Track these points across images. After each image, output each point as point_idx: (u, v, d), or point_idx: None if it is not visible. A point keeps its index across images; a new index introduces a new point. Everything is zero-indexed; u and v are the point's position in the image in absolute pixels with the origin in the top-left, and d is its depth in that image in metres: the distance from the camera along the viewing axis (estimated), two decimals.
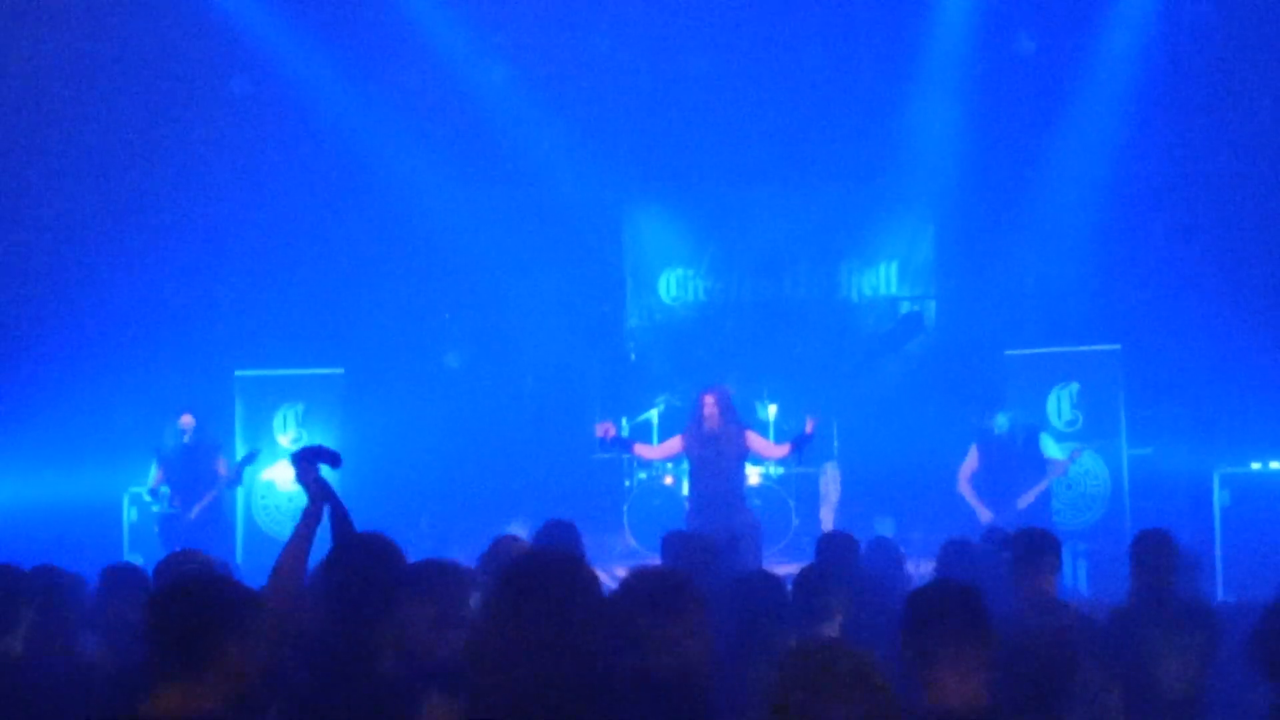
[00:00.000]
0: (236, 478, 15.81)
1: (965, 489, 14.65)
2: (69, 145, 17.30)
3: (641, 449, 14.64)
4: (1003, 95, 17.76)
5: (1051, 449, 14.84)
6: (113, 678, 5.65)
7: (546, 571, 4.12)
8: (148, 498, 15.58)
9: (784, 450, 14.19)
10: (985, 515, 14.29)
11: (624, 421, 17.20)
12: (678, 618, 4.86)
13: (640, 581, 5.07)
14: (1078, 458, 15.03)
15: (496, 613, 4.06)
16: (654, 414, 17.19)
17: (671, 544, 9.06)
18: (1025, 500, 14.33)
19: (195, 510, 15.13)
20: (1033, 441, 14.80)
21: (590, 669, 3.96)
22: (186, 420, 15.30)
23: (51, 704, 5.84)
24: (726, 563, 9.64)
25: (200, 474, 15.26)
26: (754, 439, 13.95)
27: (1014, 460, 14.58)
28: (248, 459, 15.88)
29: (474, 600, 7.54)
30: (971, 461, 14.72)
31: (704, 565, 8.78)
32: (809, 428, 13.77)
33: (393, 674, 5.19)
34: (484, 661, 4.00)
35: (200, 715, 4.46)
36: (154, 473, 15.44)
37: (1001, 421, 14.71)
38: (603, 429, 13.90)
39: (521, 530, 15.23)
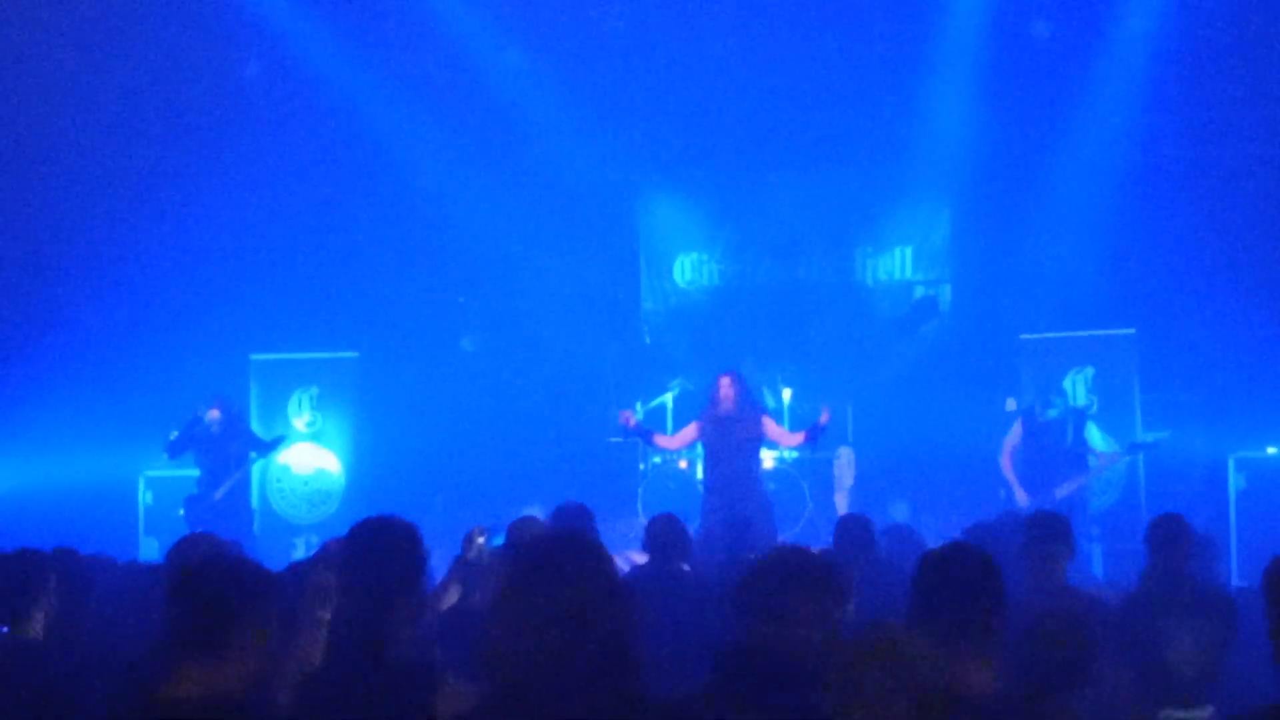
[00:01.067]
0: (263, 450, 15.82)
1: (1006, 465, 14.70)
2: (84, 129, 17.32)
3: (661, 439, 14.67)
4: (1018, 79, 17.72)
5: (1096, 438, 14.86)
6: (132, 660, 5.65)
7: (559, 553, 4.12)
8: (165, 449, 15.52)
9: (799, 438, 14.21)
10: (1023, 498, 14.34)
11: (638, 405, 17.20)
12: (820, 598, 4.95)
13: (788, 559, 5.13)
14: (1121, 459, 15.10)
15: (510, 595, 4.06)
16: (668, 398, 17.19)
17: (649, 529, 9.09)
18: (1064, 490, 14.33)
19: (220, 492, 15.16)
20: (1079, 430, 14.81)
21: (604, 651, 3.97)
22: (214, 415, 15.33)
23: (71, 688, 5.85)
24: (725, 549, 9.68)
25: (229, 458, 15.29)
26: (770, 425, 13.98)
27: (1059, 446, 14.60)
28: (277, 441, 15.91)
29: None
30: (1014, 437, 14.76)
31: (678, 551, 8.84)
32: (824, 418, 13.80)
33: (409, 657, 5.21)
34: (498, 644, 4.01)
35: (220, 696, 4.48)
36: (174, 436, 15.41)
37: (1054, 414, 14.73)
38: (625, 417, 13.94)
39: (536, 514, 15.27)
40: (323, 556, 6.89)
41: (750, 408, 14.03)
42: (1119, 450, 15.03)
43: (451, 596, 7.46)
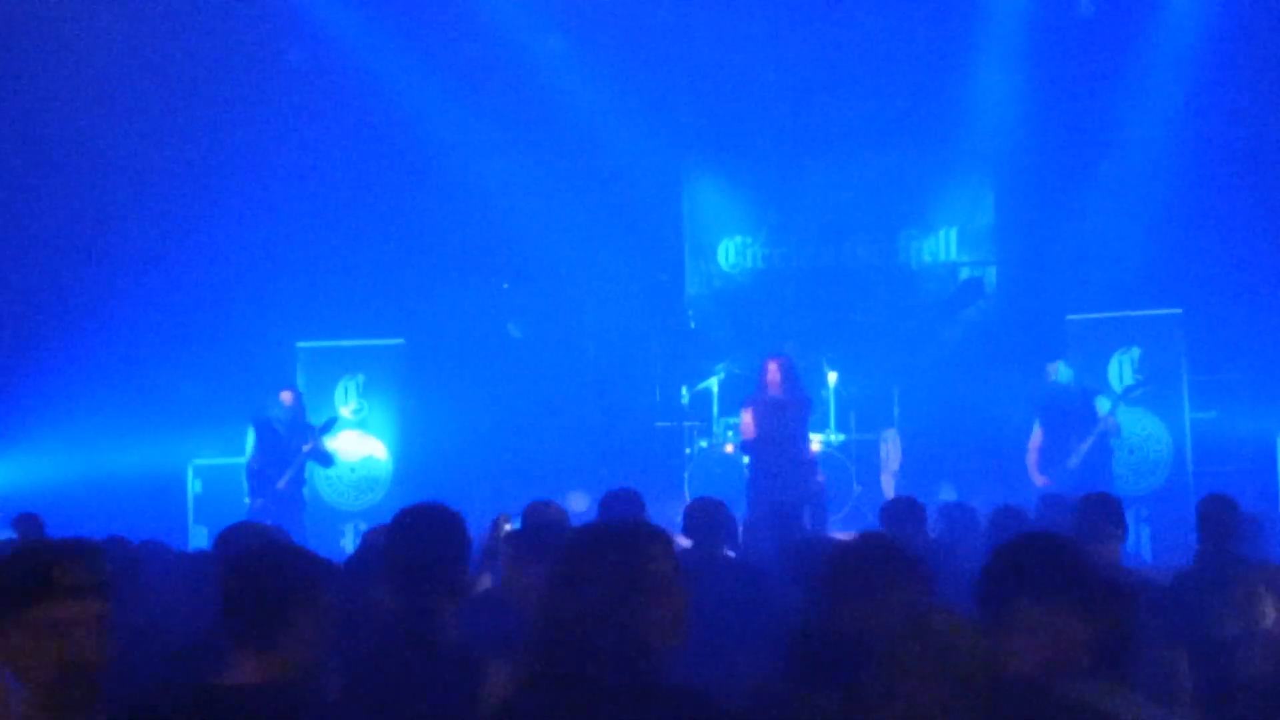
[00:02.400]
0: (325, 457, 15.88)
1: (1031, 458, 14.77)
2: (131, 118, 17.39)
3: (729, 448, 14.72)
4: (1063, 58, 17.66)
5: (1105, 408, 14.88)
6: (183, 648, 5.68)
7: (612, 539, 4.13)
8: (244, 475, 15.61)
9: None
10: (1038, 480, 14.38)
11: (684, 390, 17.23)
12: (903, 583, 5.00)
13: (878, 545, 5.22)
14: (1113, 413, 15.09)
15: (562, 581, 4.07)
16: (714, 382, 17.19)
17: (692, 513, 9.07)
18: (1074, 460, 14.36)
19: (283, 481, 15.24)
20: (1088, 403, 14.84)
21: (655, 638, 3.98)
22: (286, 396, 15.47)
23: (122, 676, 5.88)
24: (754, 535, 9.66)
25: (295, 447, 15.38)
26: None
27: (1070, 421, 14.64)
28: (326, 427, 15.97)
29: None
30: (1036, 437, 14.82)
31: (720, 536, 8.82)
32: None
33: (457, 642, 5.23)
34: (548, 630, 4.02)
35: (275, 684, 4.51)
36: (251, 441, 15.52)
37: (1063, 371, 14.77)
38: None
39: (583, 499, 15.32)
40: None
41: (799, 392, 14.03)
42: (1107, 411, 15.00)
43: (484, 582, 7.49)
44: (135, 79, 17.29)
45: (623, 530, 4.23)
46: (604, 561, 4.02)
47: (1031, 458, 14.88)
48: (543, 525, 7.52)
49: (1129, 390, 15.64)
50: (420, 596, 5.22)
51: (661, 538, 4.18)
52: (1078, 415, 14.77)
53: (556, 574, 4.12)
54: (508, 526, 7.62)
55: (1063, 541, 4.94)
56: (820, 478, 14.31)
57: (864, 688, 4.11)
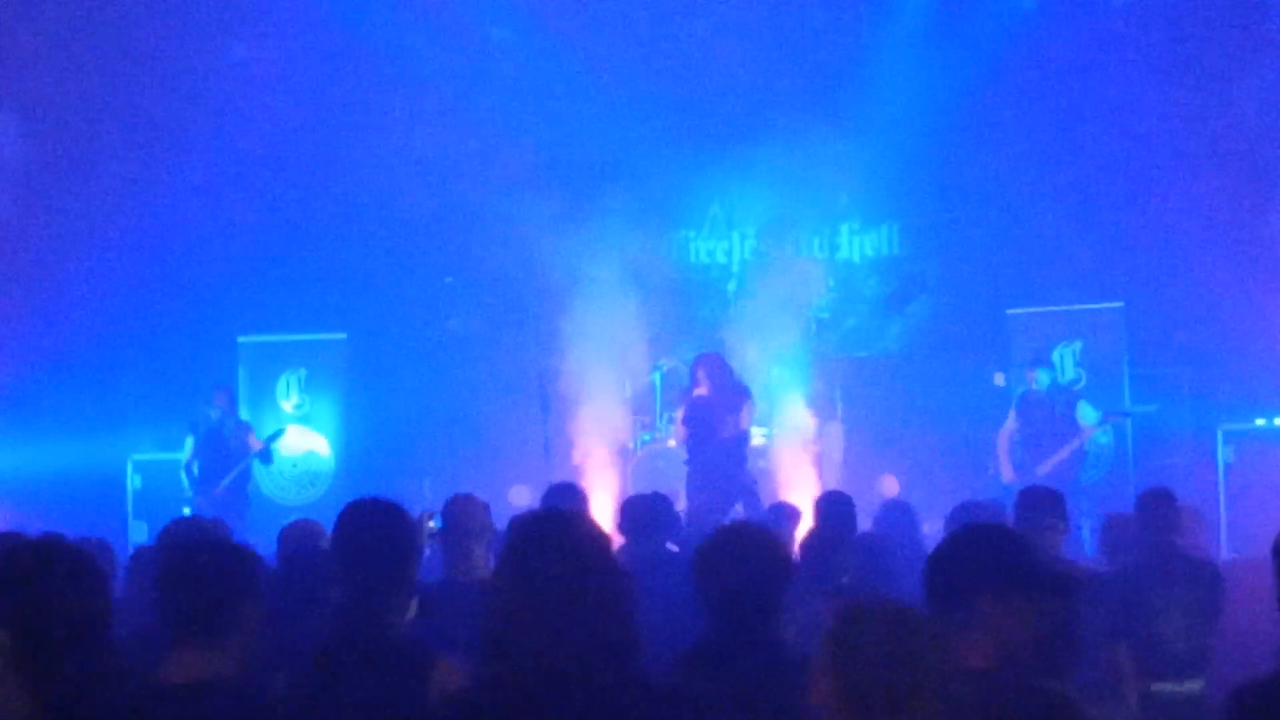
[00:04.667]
0: (267, 454, 15.85)
1: (1002, 446, 14.83)
2: (66, 112, 17.28)
3: (672, 443, 14.73)
4: (1007, 53, 17.72)
5: (1089, 416, 14.93)
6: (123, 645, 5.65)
7: (559, 532, 4.12)
8: (183, 475, 15.58)
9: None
10: (1008, 475, 14.45)
11: (627, 384, 17.21)
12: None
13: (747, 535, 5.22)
14: (1099, 428, 15.14)
15: (508, 574, 4.06)
16: (656, 377, 17.19)
17: (626, 510, 9.08)
18: (1045, 467, 14.42)
19: (222, 486, 15.18)
20: (1069, 408, 14.90)
21: (603, 630, 3.97)
22: (220, 399, 15.44)
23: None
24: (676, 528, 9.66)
25: (228, 453, 15.32)
26: (746, 411, 14.07)
27: (1048, 425, 14.71)
28: (274, 436, 15.93)
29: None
30: (1010, 424, 14.88)
31: (659, 531, 8.83)
32: None
33: (406, 636, 5.23)
34: (496, 623, 4.01)
35: (218, 679, 4.48)
36: (189, 447, 15.48)
37: (1042, 378, 14.84)
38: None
39: (525, 494, 15.29)
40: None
41: (729, 390, 14.10)
42: (1093, 423, 15.08)
43: None
44: (74, 72, 17.17)
45: (558, 524, 4.22)
46: (543, 557, 4.02)
47: (1003, 449, 14.92)
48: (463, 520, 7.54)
49: (1111, 410, 15.61)
50: (369, 592, 5.21)
51: (595, 530, 4.18)
52: (1056, 422, 14.82)
53: (504, 570, 4.11)
54: (431, 524, 7.60)
55: (1011, 534, 4.96)
56: (752, 470, 14.36)
57: (809, 681, 4.10)
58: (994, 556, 4.68)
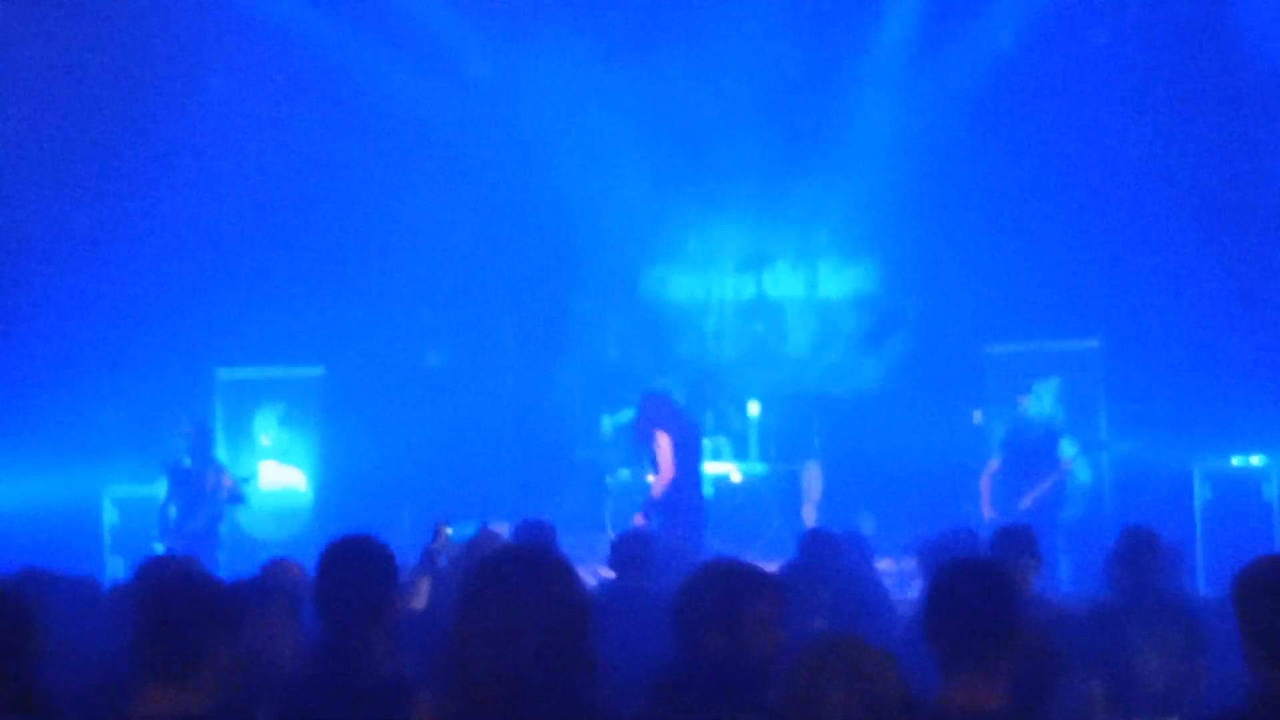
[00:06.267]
0: (239, 495, 15.78)
1: (984, 485, 14.87)
2: (53, 138, 17.27)
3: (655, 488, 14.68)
4: (985, 91, 17.80)
5: (1067, 450, 14.96)
6: (100, 682, 5.64)
7: (520, 567, 4.13)
8: (159, 517, 15.45)
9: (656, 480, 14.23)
10: (988, 513, 14.45)
11: (605, 420, 17.22)
12: (760, 607, 4.96)
13: (726, 569, 5.15)
14: (1076, 461, 15.17)
15: (472, 608, 4.07)
16: (634, 412, 17.18)
17: (618, 546, 9.10)
18: (1026, 501, 14.44)
19: (193, 527, 15.08)
20: (1052, 443, 14.92)
21: (564, 666, 3.98)
22: (187, 430, 15.31)
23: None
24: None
25: (202, 494, 15.22)
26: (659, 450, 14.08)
27: (1032, 459, 14.72)
28: (246, 480, 15.88)
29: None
30: (994, 464, 14.94)
31: (645, 567, 8.86)
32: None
33: (386, 673, 5.23)
34: (458, 658, 4.01)
35: (188, 716, 4.47)
36: (164, 489, 15.38)
37: (1034, 404, 14.88)
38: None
39: (502, 530, 15.23)
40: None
41: (646, 435, 14.16)
42: (1071, 455, 15.10)
43: (421, 592, 7.53)
44: (52, 103, 17.16)
45: (520, 559, 4.23)
46: (503, 591, 4.03)
47: (984, 486, 14.95)
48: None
49: (1089, 444, 15.64)
50: (349, 629, 5.25)
51: (558, 565, 4.18)
52: (1038, 454, 14.83)
53: (460, 606, 4.12)
54: (448, 531, 7.69)
55: (1000, 574, 4.98)
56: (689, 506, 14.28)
57: (779, 713, 4.11)
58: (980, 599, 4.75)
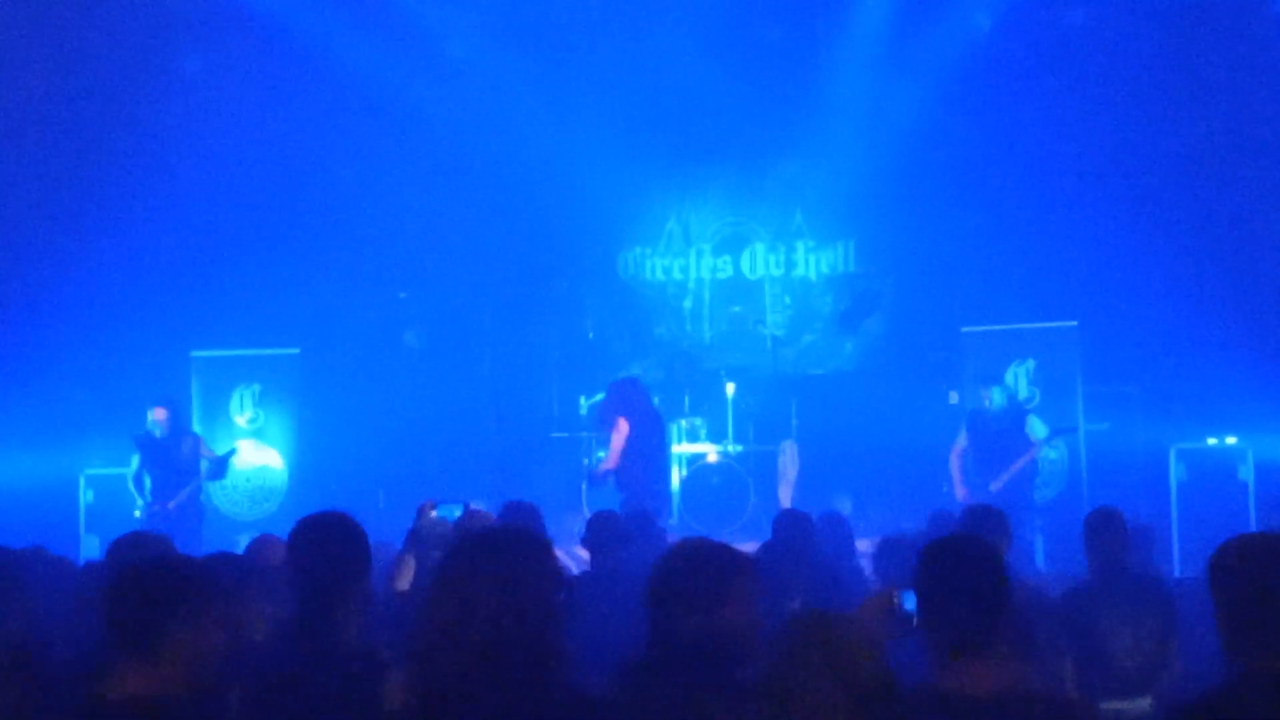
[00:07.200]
0: (219, 471, 15.76)
1: (954, 464, 14.87)
2: (29, 121, 17.22)
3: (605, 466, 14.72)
4: (962, 73, 17.81)
5: (1039, 432, 14.96)
6: (71, 658, 5.63)
7: (497, 546, 4.13)
8: (132, 488, 15.41)
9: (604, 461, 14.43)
10: (961, 493, 14.48)
11: (582, 400, 17.22)
12: (733, 585, 4.92)
13: (698, 550, 5.11)
14: (1049, 443, 15.19)
15: (446, 587, 4.07)
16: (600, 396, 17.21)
17: (593, 526, 9.10)
18: (998, 483, 14.46)
19: (174, 502, 15.05)
20: (1019, 423, 14.93)
21: (540, 645, 3.98)
22: (159, 414, 15.16)
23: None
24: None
25: (179, 466, 15.16)
26: (614, 437, 14.24)
27: (998, 441, 14.74)
28: (230, 454, 15.86)
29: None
30: (961, 441, 14.93)
31: (616, 544, 8.87)
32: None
33: (357, 649, 5.24)
34: (430, 635, 4.02)
35: (157, 697, 4.46)
36: (136, 462, 15.32)
37: (996, 396, 14.87)
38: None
39: (481, 509, 15.20)
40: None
41: (606, 421, 14.32)
42: (1043, 437, 15.12)
43: (406, 572, 7.52)
44: (29, 84, 17.10)
45: (497, 539, 4.23)
46: (477, 571, 4.03)
47: (954, 466, 14.97)
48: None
49: (1059, 426, 15.64)
50: (322, 604, 5.26)
51: (534, 544, 4.18)
52: (1006, 439, 14.84)
53: (434, 584, 4.12)
54: (433, 512, 7.67)
55: (995, 553, 4.98)
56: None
57: (757, 692, 4.11)
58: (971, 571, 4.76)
